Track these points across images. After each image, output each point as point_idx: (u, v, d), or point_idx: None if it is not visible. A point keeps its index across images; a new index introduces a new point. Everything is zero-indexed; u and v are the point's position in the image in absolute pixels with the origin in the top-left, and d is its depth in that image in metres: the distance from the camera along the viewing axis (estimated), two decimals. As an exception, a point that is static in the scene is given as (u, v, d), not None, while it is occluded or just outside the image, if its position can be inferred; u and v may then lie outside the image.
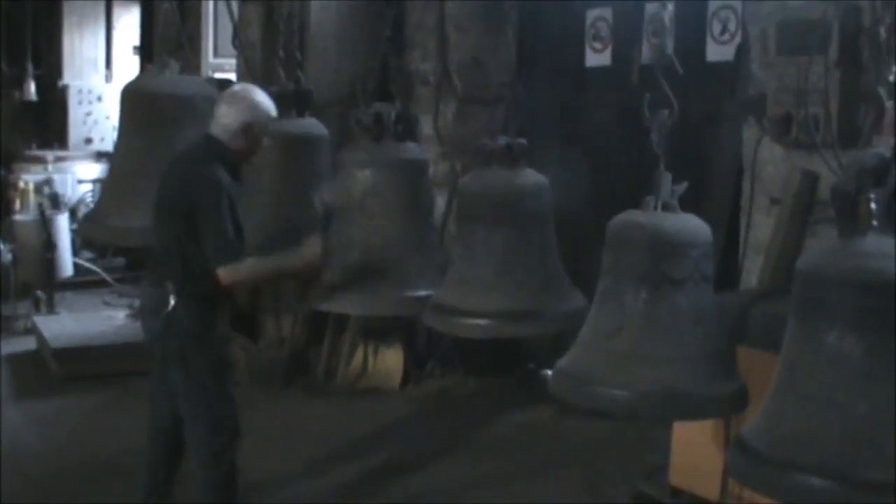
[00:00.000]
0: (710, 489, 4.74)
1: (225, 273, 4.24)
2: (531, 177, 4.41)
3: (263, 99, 4.51)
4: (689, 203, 3.56)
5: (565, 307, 4.25)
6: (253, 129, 4.42)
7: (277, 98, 5.38)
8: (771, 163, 5.40)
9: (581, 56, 7.22)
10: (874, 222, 3.03)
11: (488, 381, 7.22)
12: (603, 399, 3.30)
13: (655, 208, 3.39)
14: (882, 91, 3.16)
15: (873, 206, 3.03)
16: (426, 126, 7.33)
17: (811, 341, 3.01)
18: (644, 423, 5.55)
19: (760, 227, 5.41)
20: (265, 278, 4.63)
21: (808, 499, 2.98)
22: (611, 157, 7.00)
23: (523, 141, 4.42)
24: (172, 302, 4.31)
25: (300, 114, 5.35)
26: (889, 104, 3.29)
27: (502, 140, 4.39)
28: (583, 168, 7.06)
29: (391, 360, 7.23)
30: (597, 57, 7.13)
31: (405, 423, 6.65)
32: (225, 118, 4.42)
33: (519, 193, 4.34)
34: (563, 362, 3.45)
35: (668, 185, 3.41)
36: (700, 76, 6.29)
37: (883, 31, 3.10)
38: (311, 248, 4.41)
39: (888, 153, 3.10)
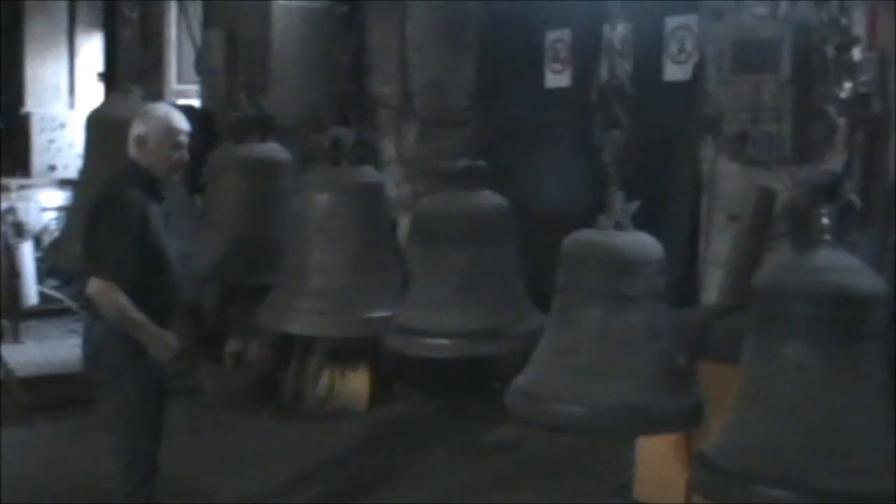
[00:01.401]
0: (674, 501, 4.77)
1: (94, 285, 4.25)
2: (490, 198, 4.44)
3: (162, 112, 4.55)
4: (649, 221, 3.61)
5: (525, 327, 4.27)
6: (146, 141, 4.42)
7: (239, 124, 5.45)
8: (728, 180, 5.47)
9: (541, 77, 7.29)
10: (827, 237, 3.11)
11: (455, 402, 7.24)
12: (559, 416, 3.35)
13: (608, 227, 3.45)
14: (831, 108, 3.22)
15: (825, 220, 3.11)
16: (388, 149, 7.37)
17: (770, 355, 3.09)
18: (601, 438, 5.57)
19: (719, 243, 5.47)
20: (118, 317, 4.37)
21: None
22: (572, 178, 7.05)
23: (482, 163, 4.46)
24: (100, 331, 4.35)
25: (262, 139, 5.39)
26: (840, 121, 3.37)
27: (461, 162, 4.43)
28: (545, 188, 7.11)
29: (357, 382, 7.23)
30: (556, 78, 7.20)
31: (372, 444, 6.64)
32: (129, 136, 4.48)
33: (478, 215, 4.37)
34: (519, 380, 3.49)
35: (621, 204, 3.46)
36: (658, 95, 6.37)
37: (830, 50, 3.16)
38: (164, 347, 4.39)
39: (839, 169, 3.18)
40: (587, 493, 5.62)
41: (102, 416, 4.46)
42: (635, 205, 3.50)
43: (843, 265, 3.06)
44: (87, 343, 4.47)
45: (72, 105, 12.45)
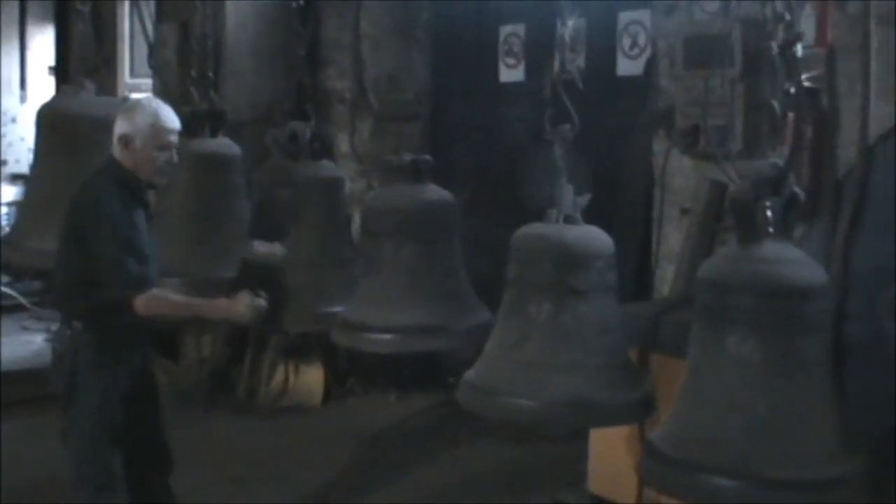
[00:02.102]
0: (628, 495, 4.79)
1: (141, 302, 3.95)
2: (435, 192, 4.44)
3: (150, 110, 4.17)
4: (603, 215, 3.63)
5: (471, 321, 4.28)
6: (132, 140, 4.09)
7: (190, 118, 5.40)
8: (680, 174, 5.50)
9: (495, 72, 7.30)
10: (771, 229, 3.14)
11: (409, 396, 7.25)
12: (509, 409, 3.36)
13: (558, 221, 3.46)
14: (775, 102, 3.25)
15: (770, 213, 3.14)
16: (343, 143, 7.34)
17: (713, 346, 3.12)
18: (551, 431, 5.60)
19: (671, 238, 5.50)
20: (183, 314, 4.32)
21: (715, 499, 3.08)
22: (526, 172, 7.07)
23: (428, 157, 4.46)
24: (66, 339, 4.12)
25: (213, 134, 5.36)
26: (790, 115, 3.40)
27: (407, 156, 4.43)
28: (498, 183, 7.13)
29: (312, 377, 7.22)
30: (510, 72, 7.22)
31: (327, 439, 6.63)
32: (113, 134, 4.17)
33: (424, 209, 4.37)
34: (469, 374, 3.50)
35: (571, 198, 3.47)
36: (611, 90, 6.40)
37: (775, 46, 3.19)
38: (239, 305, 4.13)
39: (783, 163, 3.21)
40: (540, 487, 5.63)
41: (61, 425, 4.18)
42: (586, 198, 3.51)
43: (785, 257, 3.10)
44: (54, 351, 4.22)
45: (23, 99, 12.34)
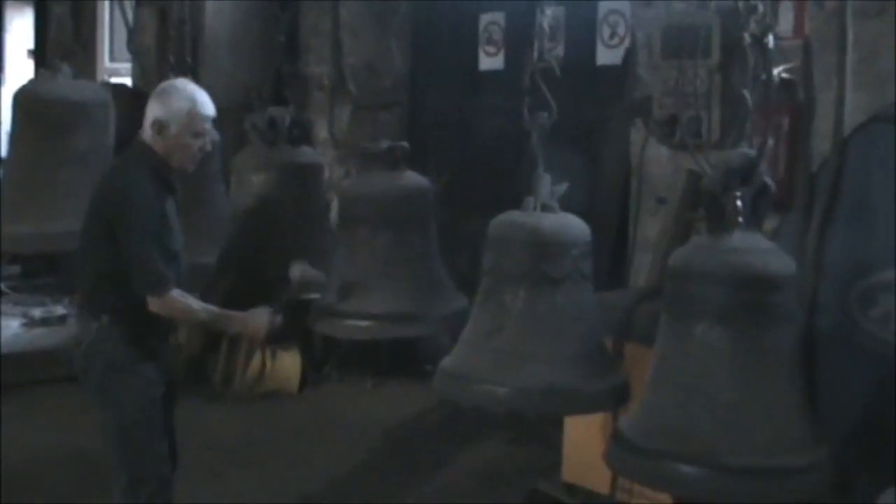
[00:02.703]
0: (602, 483, 4.82)
1: (158, 304, 3.87)
2: (412, 179, 4.44)
3: (187, 94, 4.00)
4: (580, 204, 3.64)
5: (447, 308, 4.29)
6: (166, 126, 3.93)
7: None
8: (657, 164, 5.54)
9: (474, 60, 7.31)
10: (740, 219, 3.15)
11: (386, 383, 7.26)
12: (484, 396, 3.37)
13: (535, 209, 3.47)
14: (747, 93, 3.26)
15: (739, 203, 3.16)
16: (321, 130, 7.32)
17: (681, 334, 3.14)
18: (525, 418, 5.60)
19: (648, 227, 5.54)
20: (200, 324, 4.25)
21: (682, 487, 3.12)
22: (504, 161, 7.09)
23: (405, 144, 4.46)
24: (94, 332, 3.96)
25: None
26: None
27: (384, 143, 4.42)
28: (476, 171, 7.15)
29: (289, 363, 7.21)
30: (490, 61, 7.24)
31: (304, 426, 6.64)
32: (145, 118, 4.00)
33: (400, 196, 4.37)
34: (445, 362, 3.52)
35: (548, 186, 3.48)
36: (590, 79, 6.43)
37: (748, 36, 3.20)
38: (256, 321, 4.07)
39: (753, 153, 3.23)
40: (515, 476, 5.65)
41: (100, 428, 4.06)
42: (563, 187, 3.52)
43: (754, 247, 3.11)
44: (79, 348, 4.02)
45: (1, 82, 12.27)
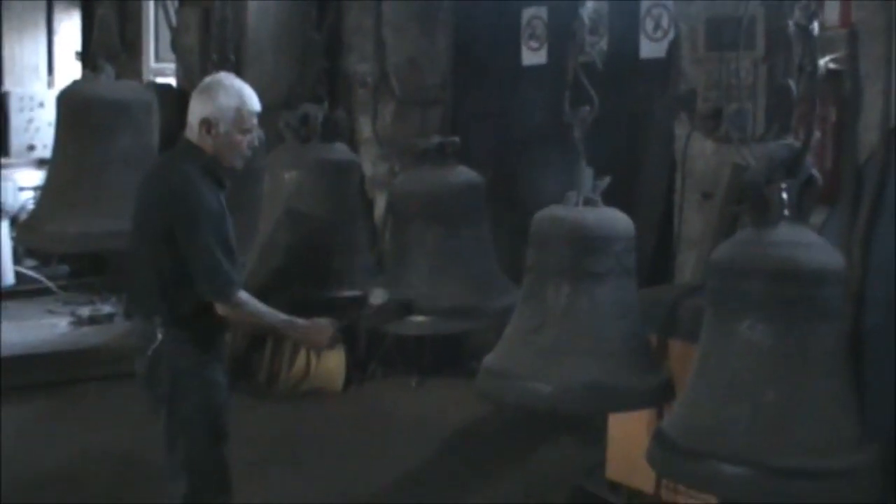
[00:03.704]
0: (646, 482, 4.77)
1: (227, 308, 3.83)
2: (463, 174, 4.43)
3: (234, 91, 3.93)
4: (623, 199, 3.60)
5: (500, 303, 4.24)
6: (215, 125, 3.86)
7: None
8: (702, 158, 5.46)
9: (517, 55, 7.27)
10: (786, 212, 3.09)
11: (430, 381, 7.24)
12: (527, 394, 3.35)
13: (577, 203, 3.43)
14: (792, 83, 3.21)
15: (784, 196, 3.10)
16: (365, 128, 7.34)
17: (724, 331, 3.09)
18: (569, 416, 5.56)
19: (692, 222, 5.46)
20: (265, 328, 4.20)
21: (723, 487, 3.07)
22: (548, 155, 7.04)
23: (456, 139, 4.45)
24: (160, 337, 3.88)
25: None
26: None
27: (434, 139, 4.41)
28: (521, 166, 7.11)
29: (333, 362, 7.21)
30: (533, 55, 7.19)
31: (348, 425, 6.63)
32: (190, 116, 3.93)
33: (451, 191, 4.36)
34: (488, 359, 3.50)
35: (590, 180, 3.45)
36: (634, 73, 6.37)
37: (792, 25, 3.15)
38: (320, 334, 4.03)
39: (798, 144, 3.17)
40: (558, 475, 5.61)
41: (164, 433, 4.01)
42: (605, 181, 3.49)
43: (800, 240, 3.05)
44: (143, 355, 3.93)
45: (50, 84, 12.36)
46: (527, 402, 3.40)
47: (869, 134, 4.43)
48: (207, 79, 4.08)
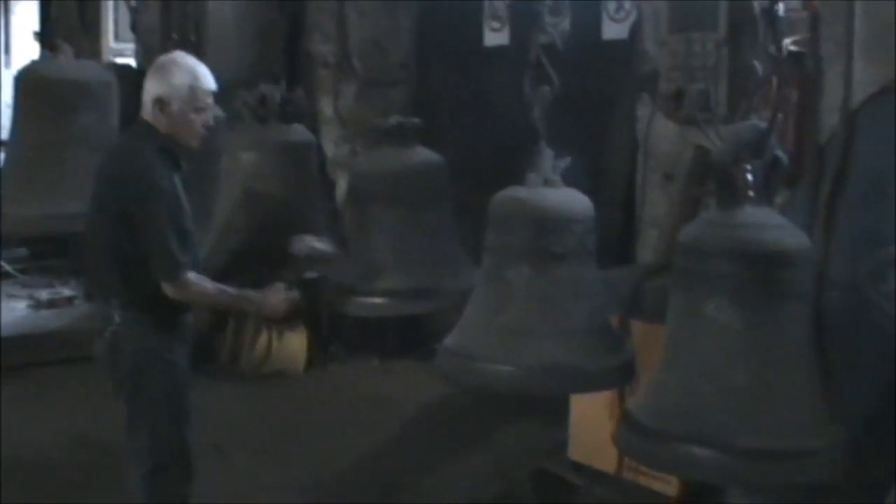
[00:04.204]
0: (608, 462, 4.78)
1: (174, 289, 3.79)
2: (423, 155, 4.39)
3: (185, 68, 3.91)
4: (588, 181, 3.58)
5: (460, 284, 4.20)
6: (168, 104, 3.83)
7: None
8: (664, 139, 5.47)
9: (479, 36, 7.25)
10: (751, 193, 3.09)
11: (393, 362, 7.23)
12: (487, 375, 3.32)
13: (537, 184, 3.41)
14: (757, 64, 3.20)
15: (750, 177, 3.09)
16: (327, 109, 7.30)
17: (691, 313, 3.08)
18: (531, 397, 5.55)
19: (655, 203, 5.47)
20: (218, 306, 4.13)
21: (691, 469, 3.06)
22: (510, 137, 7.02)
23: (416, 120, 4.41)
24: (118, 320, 3.87)
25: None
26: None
27: (394, 119, 4.37)
28: (485, 147, 7.09)
29: (295, 343, 7.18)
30: (495, 36, 7.17)
31: (310, 405, 6.61)
32: (144, 94, 3.89)
33: (410, 172, 4.32)
34: (448, 340, 3.47)
35: (550, 161, 3.43)
36: (597, 54, 6.36)
37: (757, 6, 3.14)
38: (273, 300, 4.02)
39: (764, 125, 3.16)
40: (521, 455, 5.61)
41: (124, 416, 3.99)
42: (566, 161, 3.47)
43: (766, 222, 3.04)
44: (101, 337, 3.92)
45: (8, 64, 12.25)
46: (487, 383, 3.38)
47: (831, 116, 4.43)
48: (162, 57, 4.06)
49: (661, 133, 5.47)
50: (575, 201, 3.41)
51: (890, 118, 3.97)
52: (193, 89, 3.87)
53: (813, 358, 3.14)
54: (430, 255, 4.27)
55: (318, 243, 4.15)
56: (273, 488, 5.41)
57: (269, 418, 6.33)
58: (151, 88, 3.88)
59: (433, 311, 4.74)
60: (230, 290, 3.99)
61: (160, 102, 3.85)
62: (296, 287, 4.07)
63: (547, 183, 3.41)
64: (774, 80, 3.37)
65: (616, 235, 5.78)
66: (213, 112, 4.04)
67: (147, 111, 3.89)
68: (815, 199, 4.18)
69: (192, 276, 3.83)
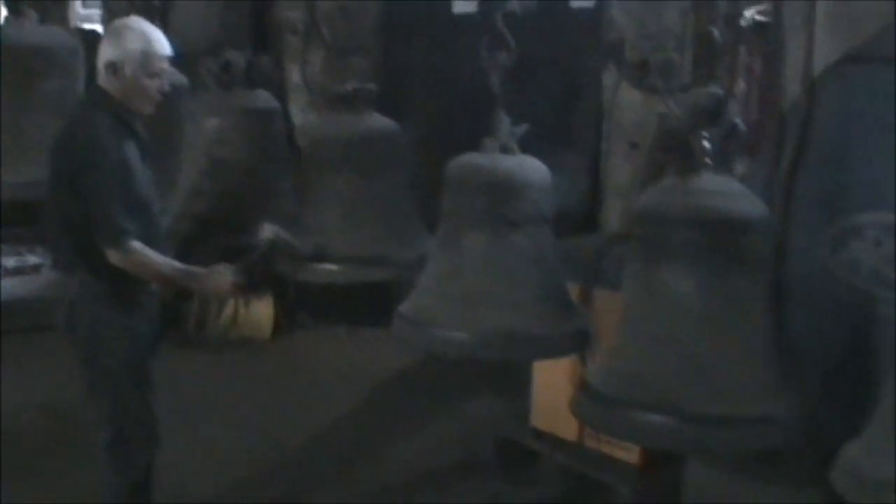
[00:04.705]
0: (570, 429, 4.80)
1: (117, 258, 3.70)
2: (377, 121, 4.35)
3: (139, 33, 3.83)
4: (554, 149, 3.57)
5: (414, 252, 4.17)
6: (121, 68, 3.76)
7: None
8: (630, 107, 5.46)
9: (448, 4, 7.21)
10: (708, 161, 3.08)
11: (360, 330, 7.21)
12: (441, 342, 3.32)
13: (493, 150, 3.40)
14: (715, 30, 3.19)
15: (707, 144, 3.08)
16: (295, 75, 7.25)
17: (647, 280, 3.08)
18: (492, 365, 5.55)
19: (620, 172, 5.47)
20: (160, 279, 3.96)
21: (647, 437, 3.06)
22: (478, 105, 6.99)
23: (371, 86, 4.37)
24: (76, 287, 3.85)
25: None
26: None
27: (349, 84, 4.34)
28: (453, 115, 7.05)
29: (262, 310, 7.18)
30: (463, 4, 7.13)
31: (276, 373, 6.61)
32: (98, 60, 3.84)
33: (364, 138, 4.27)
34: (403, 307, 3.46)
35: (507, 127, 3.41)
36: (565, 23, 6.34)
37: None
38: (217, 281, 3.91)
39: (721, 92, 3.15)
40: (485, 423, 5.62)
41: (85, 383, 3.96)
42: (522, 128, 3.45)
43: (722, 189, 3.03)
44: (63, 303, 3.91)
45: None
46: (441, 349, 3.38)
47: (794, 85, 4.43)
48: (115, 21, 4.03)
49: (626, 102, 5.47)
50: (531, 168, 3.40)
51: (850, 87, 3.97)
52: (146, 54, 3.82)
53: (770, 326, 3.15)
54: (383, 222, 4.21)
55: (284, 234, 4.07)
56: (238, 455, 5.41)
57: (235, 386, 6.32)
58: (104, 53, 3.83)
59: (386, 279, 4.68)
60: (176, 264, 3.89)
61: (112, 67, 3.80)
62: (251, 270, 4.00)
63: (503, 149, 3.39)
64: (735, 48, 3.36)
65: (581, 204, 5.77)
66: (169, 79, 3.99)
67: (101, 76, 3.84)
68: (776, 168, 4.17)
69: (136, 244, 3.75)
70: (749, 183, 3.55)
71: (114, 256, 3.73)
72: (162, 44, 3.87)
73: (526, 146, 3.49)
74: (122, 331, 3.88)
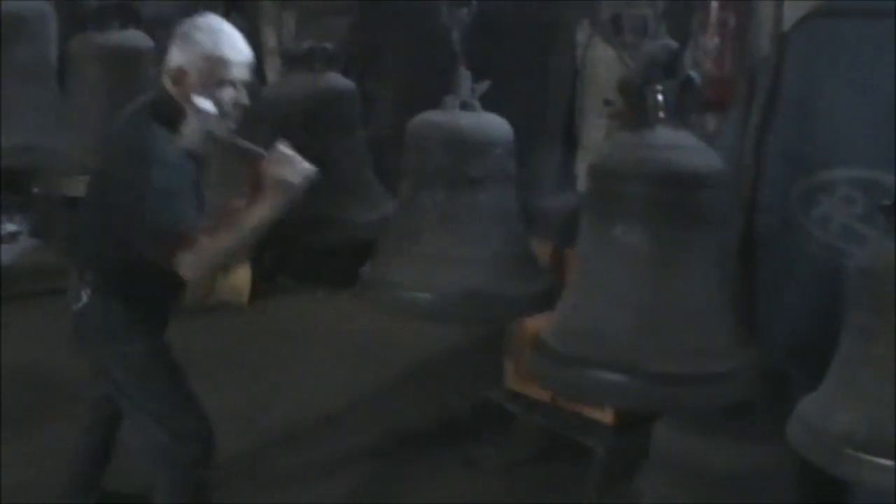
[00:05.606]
0: (544, 391, 4.78)
1: (186, 270, 3.30)
2: (334, 81, 4.30)
3: (207, 36, 3.31)
4: (529, 108, 3.53)
5: (372, 214, 4.14)
6: (186, 75, 3.30)
7: (98, 11, 5.23)
8: (603, 64, 5.40)
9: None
10: (661, 114, 3.04)
11: (338, 293, 7.18)
12: (404, 302, 3.30)
13: (454, 107, 3.37)
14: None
15: (661, 97, 3.04)
16: (270, 39, 7.18)
17: (601, 236, 3.05)
18: (449, 324, 5.47)
19: (595, 130, 5.42)
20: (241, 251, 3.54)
21: (601, 395, 3.04)
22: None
23: (328, 45, 4.33)
24: (84, 298, 3.48)
25: (123, 26, 5.19)
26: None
27: (306, 44, 4.30)
28: (431, 76, 7.00)
29: (238, 275, 7.14)
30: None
31: (254, 337, 6.59)
32: (167, 60, 3.37)
33: (319, 98, 4.24)
34: (365, 268, 3.44)
35: (468, 85, 3.38)
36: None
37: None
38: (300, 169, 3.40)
39: (676, 44, 3.11)
40: (462, 385, 5.61)
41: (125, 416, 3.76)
42: (484, 85, 3.42)
43: (676, 143, 2.99)
44: (74, 315, 3.54)
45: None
46: (405, 310, 3.36)
47: (764, 40, 4.39)
48: (187, 22, 3.43)
49: (599, 58, 5.42)
50: (493, 125, 3.37)
51: (819, 43, 3.94)
52: (212, 60, 3.31)
53: (728, 281, 3.12)
54: (339, 183, 4.11)
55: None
56: (216, 419, 5.38)
57: (213, 350, 6.28)
58: (170, 56, 3.37)
59: (342, 241, 4.58)
60: (226, 232, 3.37)
61: (175, 73, 3.34)
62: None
63: (465, 106, 3.36)
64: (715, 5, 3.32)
65: (555, 162, 5.73)
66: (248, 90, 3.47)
67: (165, 80, 3.39)
68: (746, 124, 4.15)
69: (187, 251, 3.27)
70: (721, 138, 3.53)
71: (187, 272, 3.35)
72: (235, 48, 3.36)
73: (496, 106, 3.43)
74: (127, 345, 3.58)
